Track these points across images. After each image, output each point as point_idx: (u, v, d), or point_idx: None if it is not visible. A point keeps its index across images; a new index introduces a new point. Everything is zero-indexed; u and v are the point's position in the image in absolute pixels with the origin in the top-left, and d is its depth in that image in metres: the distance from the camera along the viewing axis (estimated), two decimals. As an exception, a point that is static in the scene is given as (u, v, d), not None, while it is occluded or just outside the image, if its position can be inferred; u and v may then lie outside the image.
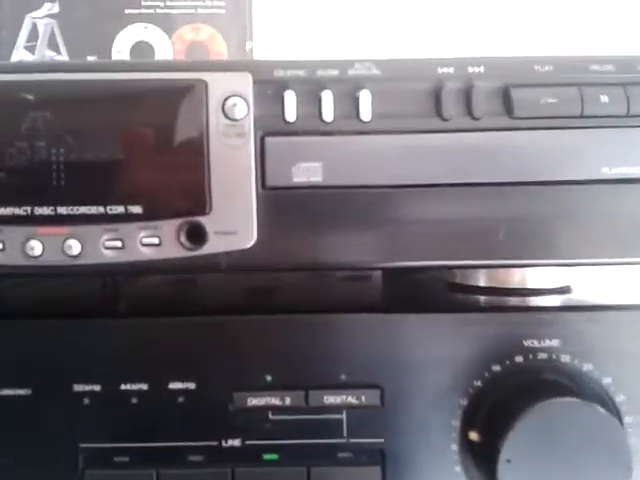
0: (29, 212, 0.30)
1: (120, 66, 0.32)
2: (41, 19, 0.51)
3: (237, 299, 0.38)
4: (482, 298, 0.37)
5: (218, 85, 0.31)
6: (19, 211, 0.30)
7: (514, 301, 0.35)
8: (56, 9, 0.51)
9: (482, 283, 0.38)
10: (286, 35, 0.57)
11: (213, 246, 0.31)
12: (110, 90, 0.31)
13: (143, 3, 0.51)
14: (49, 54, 0.51)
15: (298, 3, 0.54)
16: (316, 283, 0.39)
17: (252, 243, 0.31)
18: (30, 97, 0.30)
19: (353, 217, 0.31)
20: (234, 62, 0.35)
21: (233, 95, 0.31)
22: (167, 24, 0.51)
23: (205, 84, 0.31)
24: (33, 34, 0.51)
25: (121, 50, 0.51)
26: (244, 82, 0.31)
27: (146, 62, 0.37)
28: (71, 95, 0.30)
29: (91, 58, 0.51)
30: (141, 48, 0.51)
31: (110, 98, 0.31)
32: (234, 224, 0.31)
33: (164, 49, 0.52)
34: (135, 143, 0.31)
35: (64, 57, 0.51)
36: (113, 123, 0.31)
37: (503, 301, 0.36)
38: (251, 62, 0.30)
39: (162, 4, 0.51)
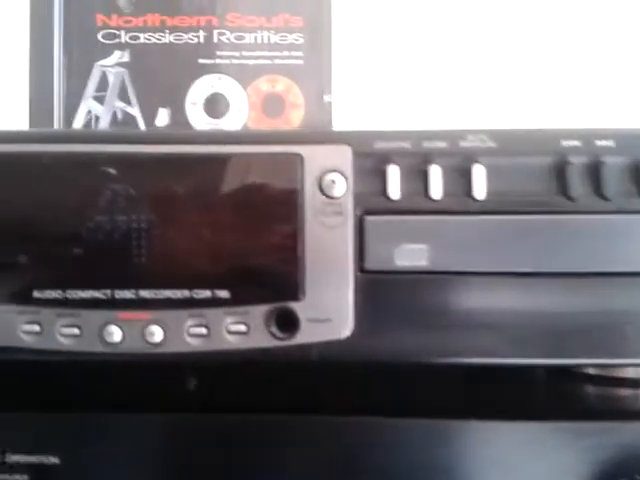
0: (109, 295, 0.29)
1: (207, 138, 0.30)
2: (111, 68, 0.51)
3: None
4: (593, 391, 0.33)
5: (315, 159, 0.29)
6: (98, 294, 0.29)
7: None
8: (127, 57, 0.51)
9: (592, 371, 0.35)
10: (367, 89, 0.55)
11: (305, 335, 0.29)
12: (197, 164, 0.29)
13: (218, 53, 0.50)
14: (119, 105, 0.50)
15: (381, 56, 0.52)
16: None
17: (348, 333, 0.29)
18: (111, 170, 0.29)
19: (463, 307, 0.29)
20: (331, 133, 0.33)
21: (331, 170, 0.29)
22: (242, 75, 0.50)
23: (300, 158, 0.29)
24: (103, 83, 0.51)
25: (195, 101, 0.50)
26: (343, 156, 0.29)
27: (235, 133, 0.36)
28: (155, 169, 0.29)
29: (163, 110, 0.50)
30: (215, 100, 0.50)
31: (197, 173, 0.29)
32: (329, 311, 0.29)
33: (239, 101, 0.50)
34: (223, 221, 0.29)
35: (135, 108, 0.50)
36: (200, 200, 0.29)
37: (620, 399, 0.32)
38: (350, 133, 0.28)
39: (237, 54, 0.50)
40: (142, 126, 0.52)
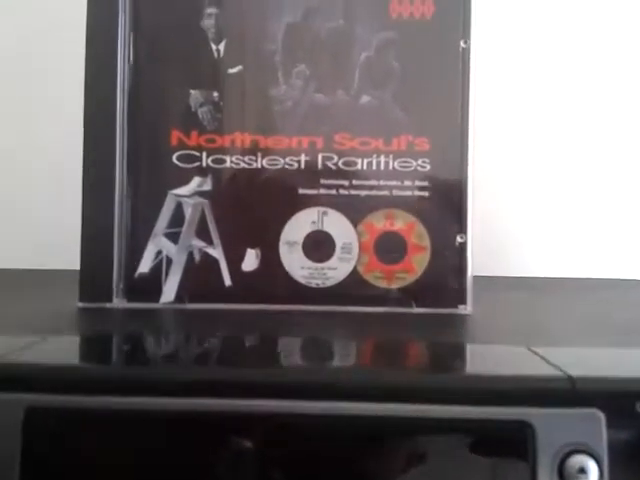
0: None
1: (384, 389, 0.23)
2: (188, 198, 0.44)
3: None
4: None
5: (550, 430, 0.21)
6: None
7: None
8: (208, 185, 0.44)
9: None
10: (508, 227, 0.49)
11: None
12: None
13: (322, 182, 0.44)
14: (197, 244, 0.44)
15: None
16: None
17: None
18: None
19: None
20: (571, 390, 0.24)
21: (575, 448, 0.20)
22: (352, 209, 0.43)
23: (531, 429, 0.21)
24: (177, 217, 0.44)
25: (292, 241, 0.43)
26: (592, 425, 0.21)
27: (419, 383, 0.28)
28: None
29: (252, 251, 0.43)
30: (318, 239, 0.44)
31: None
32: None
33: (348, 241, 0.43)
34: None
35: (217, 249, 0.44)
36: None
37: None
38: (598, 389, 0.20)
39: (347, 183, 0.44)
40: (225, 271, 0.44)
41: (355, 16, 0.46)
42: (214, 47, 0.46)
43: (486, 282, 0.67)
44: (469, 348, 0.36)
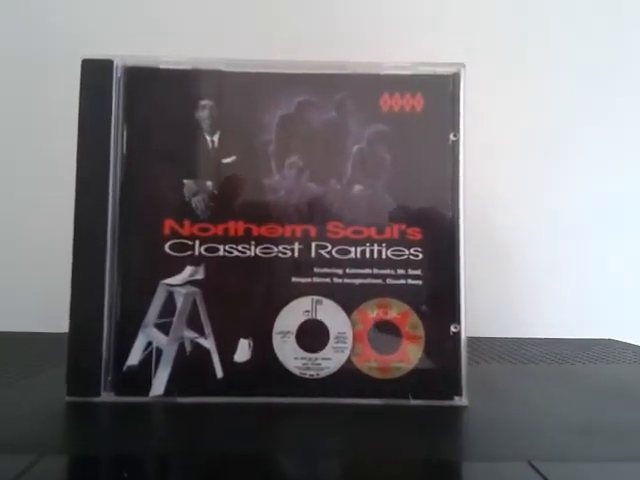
0: None
1: None
2: (180, 287, 0.43)
3: None
4: None
5: None
6: None
7: None
8: (200, 274, 0.44)
9: None
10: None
11: None
12: None
13: (316, 270, 0.43)
14: (189, 335, 0.43)
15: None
16: None
17: None
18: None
19: None
20: None
21: None
22: (346, 298, 0.43)
23: None
24: (168, 307, 0.44)
25: (285, 331, 0.43)
26: None
27: None
28: None
29: (244, 341, 0.43)
30: (312, 329, 0.43)
31: None
32: None
33: (341, 330, 0.43)
34: None
35: (209, 339, 0.43)
36: None
37: None
38: None
39: (340, 271, 0.43)
40: (217, 362, 0.43)
41: (347, 109, 0.47)
42: (208, 138, 0.47)
43: (487, 345, 0.67)
44: (465, 468, 0.34)
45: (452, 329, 0.45)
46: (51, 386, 0.48)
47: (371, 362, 0.45)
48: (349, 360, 0.45)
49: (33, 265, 0.85)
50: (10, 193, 0.87)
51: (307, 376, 0.45)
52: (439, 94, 0.47)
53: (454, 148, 0.46)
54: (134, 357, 0.45)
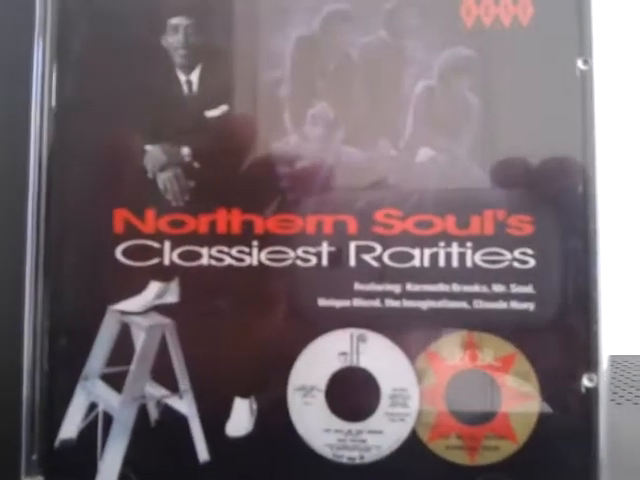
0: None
1: None
2: (141, 317, 0.28)
3: None
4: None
5: None
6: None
7: None
8: (173, 296, 0.30)
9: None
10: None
11: None
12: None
13: (357, 287, 0.28)
14: (154, 393, 0.27)
15: None
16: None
17: None
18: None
19: None
20: None
21: None
22: (406, 332, 0.26)
23: None
24: (121, 348, 0.28)
25: (308, 386, 0.27)
26: None
27: None
28: None
29: (243, 402, 0.26)
30: (350, 383, 0.27)
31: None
32: None
33: (400, 386, 0.26)
34: None
35: (186, 400, 0.26)
36: None
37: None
38: None
39: (397, 289, 0.28)
40: (199, 437, 0.26)
41: (405, 25, 0.29)
42: (183, 78, 0.30)
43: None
44: None
45: (585, 382, 0.27)
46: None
47: (451, 438, 0.28)
48: (414, 435, 0.28)
49: None
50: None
51: (345, 460, 0.28)
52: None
53: (584, 82, 0.28)
54: (70, 427, 0.29)
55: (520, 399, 0.28)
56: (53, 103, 0.30)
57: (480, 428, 0.28)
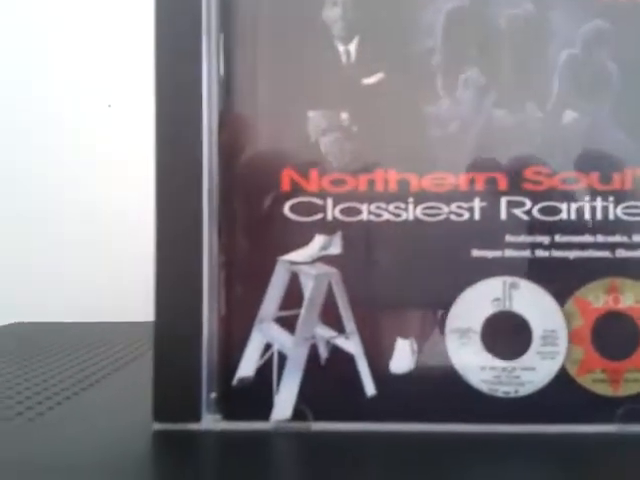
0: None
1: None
2: (308, 266, 0.31)
3: None
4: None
5: None
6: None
7: None
8: (337, 248, 0.34)
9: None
10: None
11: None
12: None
13: (508, 239, 0.30)
14: (324, 334, 0.30)
15: None
16: None
17: None
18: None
19: None
20: None
21: None
22: (555, 279, 0.30)
23: None
24: (292, 294, 0.31)
25: (464, 328, 0.30)
26: None
27: None
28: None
29: (404, 342, 0.29)
30: (503, 326, 0.31)
31: None
32: None
33: (550, 327, 0.29)
34: None
35: (352, 341, 0.29)
36: None
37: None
38: None
39: (546, 240, 0.31)
40: (366, 373, 0.30)
41: (549, -3, 0.32)
42: (341, 48, 0.32)
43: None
44: None
45: None
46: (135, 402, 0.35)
47: (597, 372, 0.31)
48: (563, 370, 0.31)
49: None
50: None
51: (500, 394, 0.31)
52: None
53: None
54: (247, 366, 0.32)
55: (659, 337, 0.31)
56: (221, 72, 0.33)
57: (623, 363, 0.31)
